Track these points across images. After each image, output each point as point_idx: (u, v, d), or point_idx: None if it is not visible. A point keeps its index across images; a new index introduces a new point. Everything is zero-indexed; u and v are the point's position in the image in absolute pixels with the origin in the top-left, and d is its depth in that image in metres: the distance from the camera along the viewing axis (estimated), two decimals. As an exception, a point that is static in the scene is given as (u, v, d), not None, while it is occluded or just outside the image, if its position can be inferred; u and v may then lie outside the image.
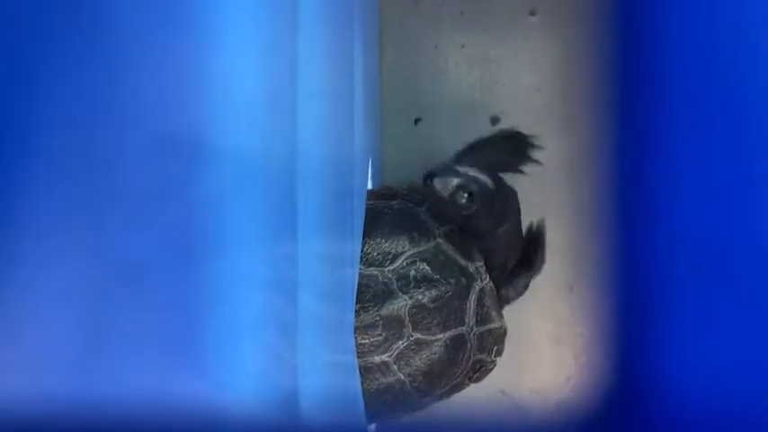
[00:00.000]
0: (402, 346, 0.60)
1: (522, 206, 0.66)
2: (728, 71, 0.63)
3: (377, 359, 0.60)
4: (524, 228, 0.71)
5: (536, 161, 0.69)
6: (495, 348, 0.64)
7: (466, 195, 0.58)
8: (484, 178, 0.59)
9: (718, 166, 0.64)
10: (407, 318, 0.60)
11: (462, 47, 0.90)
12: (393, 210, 0.64)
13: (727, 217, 0.63)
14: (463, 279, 0.61)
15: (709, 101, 0.67)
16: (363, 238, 0.61)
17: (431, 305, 0.60)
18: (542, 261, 0.71)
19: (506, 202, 0.62)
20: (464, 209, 0.58)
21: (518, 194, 0.67)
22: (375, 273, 0.60)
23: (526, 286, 0.70)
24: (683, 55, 0.68)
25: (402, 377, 0.60)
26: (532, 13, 0.89)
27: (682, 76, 0.69)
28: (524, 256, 0.70)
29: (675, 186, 0.69)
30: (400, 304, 0.59)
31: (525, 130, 0.87)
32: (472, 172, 0.59)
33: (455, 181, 0.58)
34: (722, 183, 0.63)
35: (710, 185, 0.65)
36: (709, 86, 0.68)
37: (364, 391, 0.60)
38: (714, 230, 0.64)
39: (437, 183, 0.57)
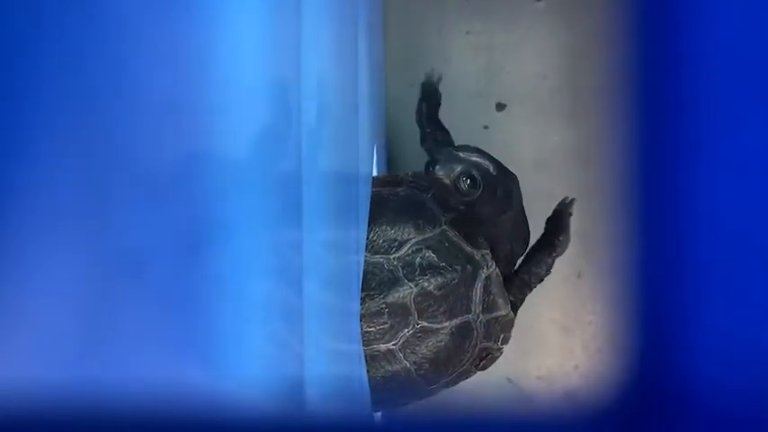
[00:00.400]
0: (408, 334, 0.60)
1: (528, 192, 0.66)
2: (743, 53, 0.62)
3: (382, 347, 0.60)
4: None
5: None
6: (502, 336, 0.64)
7: (468, 181, 0.57)
8: (486, 163, 0.59)
9: (732, 151, 0.63)
10: (413, 305, 0.59)
11: (467, 33, 0.89)
12: (398, 197, 0.64)
13: (742, 203, 0.62)
14: (469, 266, 0.61)
15: (716, 88, 0.66)
16: (369, 225, 0.60)
17: (437, 293, 0.60)
18: (566, 240, 0.69)
19: (509, 187, 0.61)
20: (467, 195, 0.58)
21: (525, 181, 0.66)
22: (380, 260, 0.60)
23: (549, 268, 0.69)
24: (696, 39, 0.67)
25: (408, 365, 0.60)
26: (538, -1, 0.88)
27: (693, 60, 0.68)
28: (547, 234, 0.70)
29: (687, 171, 0.68)
30: (406, 292, 0.59)
31: (530, 117, 0.87)
32: (474, 157, 0.58)
33: (458, 167, 0.57)
34: (735, 168, 0.63)
35: (723, 171, 0.64)
36: (715, 74, 0.67)
37: (370, 379, 0.60)
38: (728, 217, 0.64)
39: (439, 170, 0.57)
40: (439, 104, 0.78)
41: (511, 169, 0.62)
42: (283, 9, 0.37)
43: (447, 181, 0.57)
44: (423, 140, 0.76)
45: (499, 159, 0.61)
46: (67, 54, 0.24)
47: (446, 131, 0.77)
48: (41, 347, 0.23)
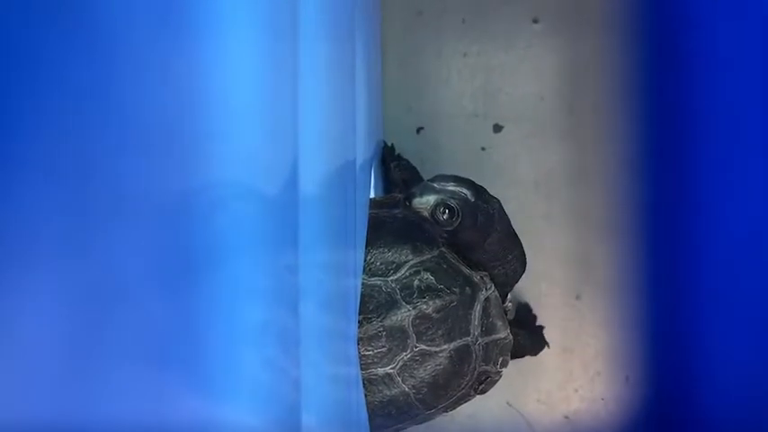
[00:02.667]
0: (406, 358, 0.59)
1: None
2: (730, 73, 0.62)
3: (380, 371, 0.59)
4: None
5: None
6: (501, 359, 0.63)
7: (446, 211, 0.58)
8: (463, 191, 0.59)
9: (733, 170, 0.63)
10: (411, 328, 0.59)
11: (464, 55, 0.89)
12: (396, 218, 0.64)
13: (744, 222, 0.62)
14: (468, 288, 0.61)
15: (715, 106, 0.66)
16: (366, 247, 0.60)
17: (435, 315, 0.59)
18: (538, 345, 0.76)
19: (490, 213, 0.61)
20: (446, 225, 0.58)
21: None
22: (378, 282, 0.59)
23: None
24: (694, 58, 0.68)
25: (406, 389, 0.60)
26: (535, 21, 0.88)
27: (691, 79, 0.68)
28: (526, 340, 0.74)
29: (688, 192, 0.68)
30: (404, 314, 0.59)
31: (527, 138, 0.87)
32: (451, 186, 0.59)
33: (433, 198, 0.58)
34: (737, 188, 0.63)
35: (725, 192, 0.64)
36: (714, 92, 0.67)
37: (368, 404, 0.59)
38: (730, 238, 0.64)
39: (416, 202, 0.58)
40: (393, 149, 0.82)
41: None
42: (280, 32, 0.37)
43: (425, 213, 0.58)
44: (390, 175, 0.80)
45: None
46: (53, 76, 0.23)
47: (407, 162, 0.80)
48: (22, 375, 0.23)
